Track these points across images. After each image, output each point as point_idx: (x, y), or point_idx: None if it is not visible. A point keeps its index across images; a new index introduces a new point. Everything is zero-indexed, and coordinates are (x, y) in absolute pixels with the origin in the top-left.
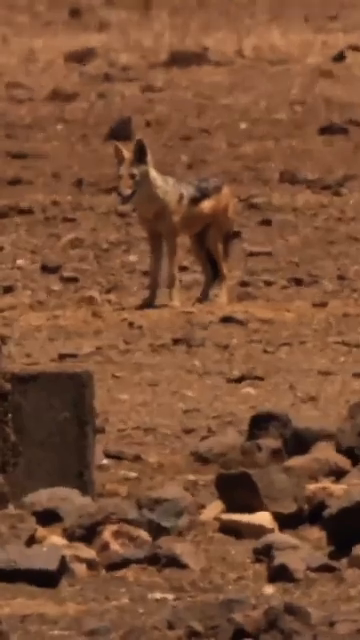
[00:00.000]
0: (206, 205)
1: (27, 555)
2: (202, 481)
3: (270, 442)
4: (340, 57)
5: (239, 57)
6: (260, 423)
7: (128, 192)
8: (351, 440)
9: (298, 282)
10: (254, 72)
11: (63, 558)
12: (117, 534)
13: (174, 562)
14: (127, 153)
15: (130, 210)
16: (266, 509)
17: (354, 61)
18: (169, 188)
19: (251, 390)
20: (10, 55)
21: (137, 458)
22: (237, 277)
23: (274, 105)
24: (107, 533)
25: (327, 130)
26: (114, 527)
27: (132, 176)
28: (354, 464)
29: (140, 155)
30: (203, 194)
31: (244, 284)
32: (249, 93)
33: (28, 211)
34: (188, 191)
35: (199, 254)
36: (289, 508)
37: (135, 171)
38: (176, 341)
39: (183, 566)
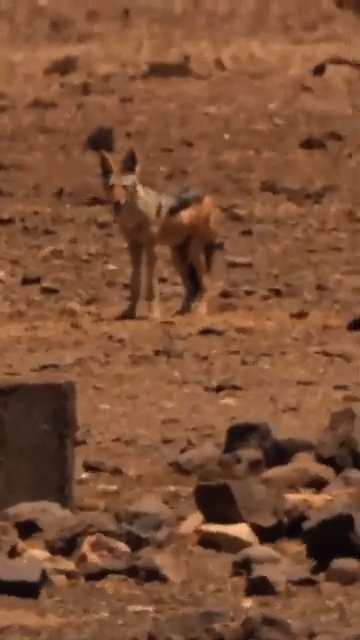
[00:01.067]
0: (186, 216)
1: (9, 567)
2: (182, 493)
3: (249, 453)
4: (320, 70)
5: (219, 68)
6: (239, 434)
7: (124, 201)
8: (332, 450)
9: (278, 292)
10: (234, 84)
11: (44, 570)
12: (96, 545)
13: (154, 574)
14: (114, 163)
15: (112, 220)
16: (245, 521)
17: (334, 74)
18: (149, 199)
19: (231, 401)
20: None
21: (116, 470)
22: (219, 288)
23: (255, 118)
24: (86, 545)
25: (307, 143)
26: (92, 538)
27: (125, 186)
28: (336, 474)
29: (131, 165)
30: (183, 204)
31: (225, 295)
32: (230, 105)
33: (8, 221)
34: (168, 202)
35: (180, 265)
36: (268, 520)
37: (127, 181)
38: (156, 352)
39: (163, 579)
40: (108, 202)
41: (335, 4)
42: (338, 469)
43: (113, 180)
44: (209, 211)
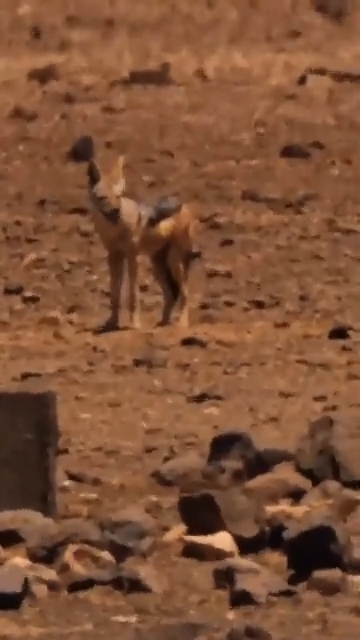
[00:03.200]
0: (165, 225)
1: None
2: (164, 503)
3: (232, 464)
4: (302, 80)
5: (200, 77)
6: (222, 444)
7: (118, 209)
8: (311, 460)
9: (259, 303)
10: (216, 92)
11: (26, 580)
12: (79, 554)
13: (137, 585)
14: (103, 172)
15: (94, 230)
16: (228, 531)
17: (316, 83)
18: (130, 209)
19: (213, 410)
20: None
21: (98, 480)
22: (198, 299)
23: (236, 126)
24: (68, 553)
25: (289, 152)
26: (75, 547)
27: (118, 197)
28: (314, 484)
29: (119, 175)
30: (162, 215)
31: (205, 306)
32: (211, 114)
33: None
34: (147, 211)
35: (159, 275)
36: (250, 530)
37: (118, 191)
38: (137, 362)
39: (146, 589)
40: (94, 211)
41: (315, 9)
42: (317, 479)
43: (105, 191)
44: (188, 221)
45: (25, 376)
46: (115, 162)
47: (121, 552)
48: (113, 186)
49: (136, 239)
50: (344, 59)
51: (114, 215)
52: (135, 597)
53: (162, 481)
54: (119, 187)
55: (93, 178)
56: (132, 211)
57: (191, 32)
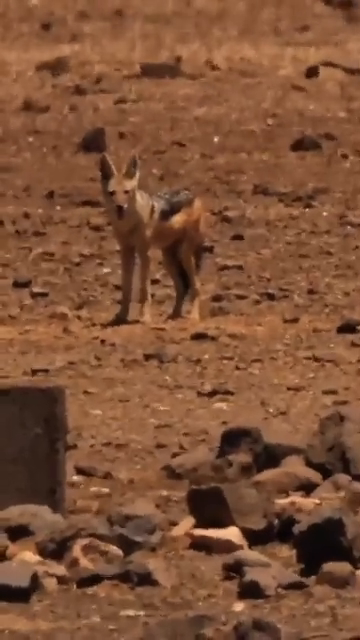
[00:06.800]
0: (177, 219)
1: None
2: (174, 497)
3: (241, 457)
4: (313, 72)
5: (211, 69)
6: (231, 439)
7: (126, 206)
8: (321, 456)
9: (270, 296)
10: (226, 85)
11: (35, 574)
12: (87, 549)
13: (146, 579)
14: (115, 167)
15: (106, 223)
16: (236, 524)
17: (326, 75)
18: (143, 202)
19: (223, 405)
20: None
21: (108, 474)
22: (210, 291)
23: (246, 119)
24: (77, 548)
25: (299, 144)
26: (84, 542)
27: (126, 191)
28: (324, 478)
29: (133, 170)
30: (174, 208)
31: (217, 298)
32: (221, 106)
33: None
34: (159, 205)
35: (171, 268)
36: (259, 524)
37: (129, 186)
38: (148, 357)
39: (155, 583)
40: (106, 206)
41: (323, 2)
42: (327, 473)
43: (115, 186)
44: (199, 214)
45: (35, 371)
46: (128, 156)
47: (130, 546)
48: (124, 182)
49: (149, 232)
50: (352, 51)
51: (119, 211)
52: (143, 591)
53: (172, 476)
54: (132, 182)
55: (105, 173)
56: (145, 204)
57: (201, 24)
